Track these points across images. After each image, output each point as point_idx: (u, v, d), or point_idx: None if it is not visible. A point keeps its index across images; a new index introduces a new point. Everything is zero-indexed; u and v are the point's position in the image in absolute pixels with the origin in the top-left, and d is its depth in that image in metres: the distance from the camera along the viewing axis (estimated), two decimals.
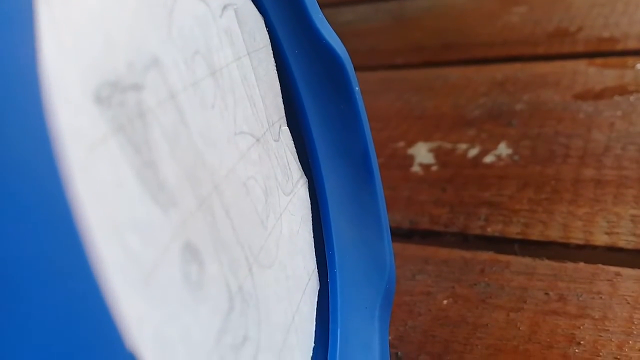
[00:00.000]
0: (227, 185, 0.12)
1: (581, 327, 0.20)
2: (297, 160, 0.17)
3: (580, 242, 0.24)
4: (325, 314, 0.17)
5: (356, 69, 0.18)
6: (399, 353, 0.21)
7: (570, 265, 0.23)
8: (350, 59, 0.18)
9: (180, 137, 0.10)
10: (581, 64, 0.38)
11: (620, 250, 0.23)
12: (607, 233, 0.24)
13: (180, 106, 0.11)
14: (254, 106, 0.15)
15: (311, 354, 0.16)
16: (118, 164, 0.08)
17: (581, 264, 0.23)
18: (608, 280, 0.22)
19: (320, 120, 0.18)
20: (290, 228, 0.16)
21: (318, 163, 0.18)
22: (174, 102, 0.10)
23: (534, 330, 0.21)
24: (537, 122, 0.33)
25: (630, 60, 0.37)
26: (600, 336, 0.20)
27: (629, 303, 0.21)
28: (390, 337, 0.21)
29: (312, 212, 0.18)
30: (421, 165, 0.32)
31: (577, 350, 0.19)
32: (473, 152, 0.32)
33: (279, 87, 0.17)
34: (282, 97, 0.17)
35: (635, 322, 0.20)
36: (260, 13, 0.16)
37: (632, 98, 0.33)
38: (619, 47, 0.39)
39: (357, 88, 0.18)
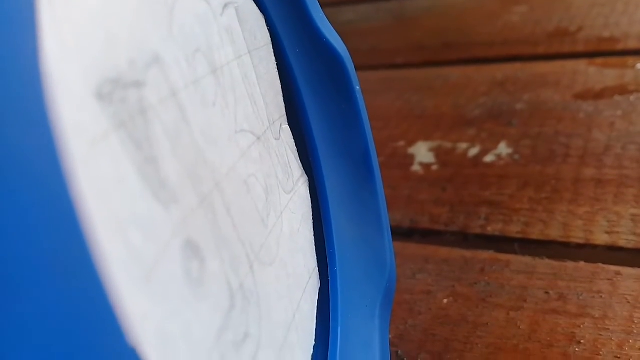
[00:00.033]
0: (228, 183, 0.12)
1: (581, 326, 0.20)
2: (298, 158, 0.18)
3: (581, 242, 0.24)
4: (325, 312, 0.17)
5: (357, 68, 0.18)
6: (399, 352, 0.21)
7: (570, 264, 0.23)
8: (351, 58, 0.18)
9: (182, 134, 0.10)
10: (581, 64, 0.38)
11: (621, 249, 0.23)
12: (607, 232, 0.24)
13: (181, 104, 0.11)
14: (254, 104, 0.15)
15: (312, 352, 0.16)
16: (119, 160, 0.08)
17: (581, 263, 0.23)
18: (608, 279, 0.22)
19: (321, 118, 0.18)
20: (291, 226, 0.16)
21: (319, 161, 0.18)
22: (175, 99, 0.10)
23: (534, 329, 0.21)
24: (538, 121, 0.33)
25: (630, 60, 0.37)
26: (601, 335, 0.20)
27: (629, 302, 0.21)
28: (390, 336, 0.21)
29: (312, 211, 0.18)
30: (421, 164, 0.32)
31: (577, 349, 0.19)
32: (473, 151, 0.32)
33: (280, 85, 0.17)
34: (283, 96, 0.17)
35: (636, 321, 0.20)
36: (261, 11, 0.16)
37: (632, 98, 0.33)
38: (619, 46, 0.39)
39: (357, 87, 0.18)
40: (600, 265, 0.23)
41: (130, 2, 0.10)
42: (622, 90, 0.34)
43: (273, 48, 0.16)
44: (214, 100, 0.12)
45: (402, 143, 0.34)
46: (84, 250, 0.07)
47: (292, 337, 0.14)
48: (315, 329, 0.16)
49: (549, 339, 0.20)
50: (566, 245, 0.24)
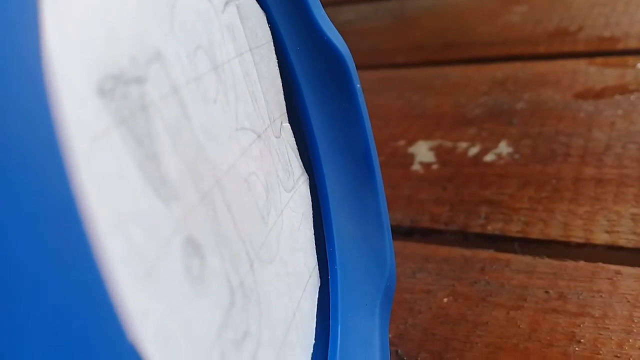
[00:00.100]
0: (229, 181, 0.12)
1: (581, 326, 0.20)
2: (298, 157, 0.17)
3: (581, 241, 0.24)
4: (325, 311, 0.17)
5: (357, 67, 0.18)
6: (399, 351, 0.21)
7: (570, 263, 0.23)
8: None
9: (183, 131, 0.10)
10: (582, 63, 0.38)
11: (621, 248, 0.23)
12: (607, 231, 0.24)
13: (182, 100, 0.11)
14: (255, 102, 0.15)
15: (311, 351, 0.16)
16: (120, 156, 0.08)
17: (581, 263, 0.23)
18: (608, 278, 0.22)
19: (322, 117, 0.18)
20: (291, 224, 0.16)
21: (319, 160, 0.18)
22: (176, 96, 0.10)
23: (534, 328, 0.21)
24: (538, 121, 0.33)
25: (630, 59, 0.37)
26: (600, 334, 0.20)
27: (629, 301, 0.21)
28: (390, 335, 0.21)
29: (313, 209, 0.18)
30: (422, 163, 0.32)
31: (577, 349, 0.19)
32: (473, 150, 0.32)
33: (281, 83, 0.17)
34: (284, 94, 0.17)
35: (635, 321, 0.20)
36: (263, 9, 0.16)
37: (632, 97, 0.33)
38: (620, 46, 0.39)
39: (358, 85, 0.18)
40: (600, 264, 0.23)
41: None
42: (623, 89, 0.34)
43: (274, 46, 0.16)
44: (215, 97, 0.12)
45: (402, 142, 0.34)
46: (85, 247, 0.07)
47: (292, 336, 0.14)
48: (315, 328, 0.16)
49: (548, 338, 0.20)
50: (566, 244, 0.24)
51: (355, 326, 0.18)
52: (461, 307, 0.22)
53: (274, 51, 0.16)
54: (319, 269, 0.17)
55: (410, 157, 0.33)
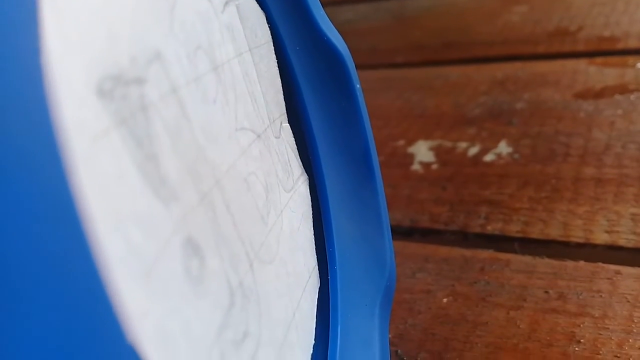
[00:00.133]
0: (228, 181, 0.12)
1: (581, 326, 0.20)
2: (298, 157, 0.17)
3: (581, 241, 0.24)
4: (325, 311, 0.17)
5: (357, 67, 0.18)
6: (399, 351, 0.21)
7: (570, 263, 0.23)
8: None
9: (182, 131, 0.10)
10: (582, 63, 0.38)
11: (621, 248, 0.23)
12: (607, 231, 0.24)
13: (182, 101, 0.11)
14: (255, 102, 0.15)
15: (311, 351, 0.16)
16: (120, 157, 0.08)
17: (581, 263, 0.23)
18: (608, 278, 0.22)
19: (321, 117, 0.18)
20: (290, 225, 0.16)
21: (319, 160, 0.18)
22: (176, 96, 0.10)
23: (534, 328, 0.21)
24: (538, 120, 0.33)
25: (630, 59, 0.37)
26: (600, 334, 0.20)
27: (629, 301, 0.21)
28: (390, 335, 0.21)
29: (312, 209, 0.18)
30: (421, 163, 0.32)
31: (577, 349, 0.19)
32: (473, 150, 0.32)
33: (280, 83, 0.17)
34: (283, 94, 0.17)
35: (635, 321, 0.20)
36: (262, 9, 0.16)
37: (632, 97, 0.33)
38: (620, 46, 0.39)
39: (358, 85, 0.18)
40: (600, 264, 0.23)
41: None
42: (623, 89, 0.34)
43: (274, 46, 0.16)
44: (215, 98, 0.12)
45: (402, 142, 0.34)
46: (84, 247, 0.07)
47: (292, 336, 0.14)
48: (315, 328, 0.16)
49: (548, 338, 0.20)
50: (566, 244, 0.24)
51: (355, 326, 0.18)
52: (461, 307, 0.22)
53: (273, 51, 0.16)
54: (318, 269, 0.17)
55: (410, 157, 0.33)
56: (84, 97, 0.08)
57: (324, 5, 0.17)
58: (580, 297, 0.21)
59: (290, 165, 0.17)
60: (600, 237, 0.24)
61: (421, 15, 0.55)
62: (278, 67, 0.17)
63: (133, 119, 0.09)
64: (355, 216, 0.19)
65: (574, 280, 0.22)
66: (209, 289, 0.10)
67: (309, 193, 0.18)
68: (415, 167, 0.32)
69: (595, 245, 0.24)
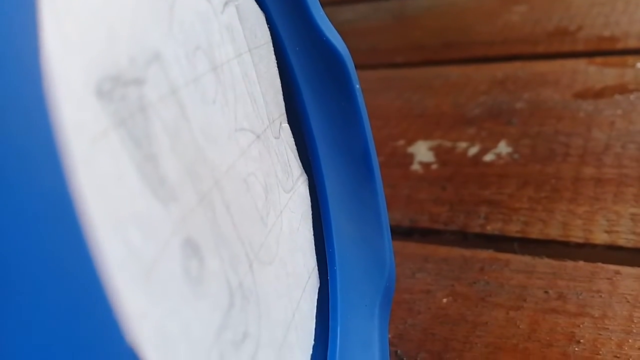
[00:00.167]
0: (228, 181, 0.12)
1: (581, 326, 0.20)
2: (298, 157, 0.17)
3: (580, 241, 0.24)
4: (325, 312, 0.17)
5: (356, 67, 0.18)
6: (399, 351, 0.21)
7: (570, 263, 0.23)
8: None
9: (181, 132, 0.10)
10: (581, 63, 0.38)
11: (620, 248, 0.23)
12: (606, 231, 0.24)
13: (181, 101, 0.11)
14: (254, 103, 0.15)
15: (311, 352, 0.16)
16: (119, 158, 0.08)
17: (581, 263, 0.23)
18: (608, 278, 0.22)
19: (321, 117, 0.18)
20: (290, 225, 0.16)
21: (318, 160, 0.18)
22: (175, 97, 0.10)
23: (534, 328, 0.21)
24: (537, 120, 0.33)
25: (630, 59, 0.37)
26: (600, 335, 0.20)
27: (628, 301, 0.21)
28: (389, 335, 0.21)
29: (312, 210, 0.18)
30: (421, 163, 0.32)
31: (576, 349, 0.19)
32: (473, 150, 0.32)
33: (280, 84, 0.17)
34: (283, 94, 0.17)
35: (635, 321, 0.20)
36: (262, 10, 0.16)
37: (632, 97, 0.33)
38: (619, 45, 0.39)
39: (357, 85, 0.18)
40: (600, 264, 0.23)
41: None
42: (622, 89, 0.34)
43: (273, 46, 0.16)
44: (214, 98, 0.12)
45: (401, 142, 0.34)
46: (83, 249, 0.07)
47: (292, 337, 0.14)
48: (315, 329, 0.16)
49: (548, 338, 0.20)
50: (566, 244, 0.24)
51: (355, 327, 0.18)
52: (460, 307, 0.22)
53: (273, 52, 0.16)
54: (318, 270, 0.17)
55: (410, 157, 0.33)
56: (83, 97, 0.08)
57: (323, 5, 0.17)
58: (580, 297, 0.21)
59: (289, 166, 0.17)
60: (600, 237, 0.24)
61: (421, 15, 0.55)
62: (278, 67, 0.17)
63: (132, 119, 0.09)
64: (355, 216, 0.19)
65: (573, 280, 0.22)
66: (209, 290, 0.10)
67: (308, 193, 0.18)
68: (415, 167, 0.32)
69: (594, 245, 0.24)
